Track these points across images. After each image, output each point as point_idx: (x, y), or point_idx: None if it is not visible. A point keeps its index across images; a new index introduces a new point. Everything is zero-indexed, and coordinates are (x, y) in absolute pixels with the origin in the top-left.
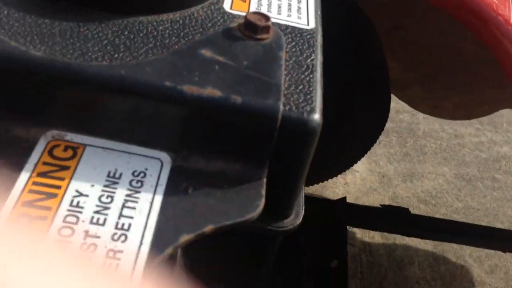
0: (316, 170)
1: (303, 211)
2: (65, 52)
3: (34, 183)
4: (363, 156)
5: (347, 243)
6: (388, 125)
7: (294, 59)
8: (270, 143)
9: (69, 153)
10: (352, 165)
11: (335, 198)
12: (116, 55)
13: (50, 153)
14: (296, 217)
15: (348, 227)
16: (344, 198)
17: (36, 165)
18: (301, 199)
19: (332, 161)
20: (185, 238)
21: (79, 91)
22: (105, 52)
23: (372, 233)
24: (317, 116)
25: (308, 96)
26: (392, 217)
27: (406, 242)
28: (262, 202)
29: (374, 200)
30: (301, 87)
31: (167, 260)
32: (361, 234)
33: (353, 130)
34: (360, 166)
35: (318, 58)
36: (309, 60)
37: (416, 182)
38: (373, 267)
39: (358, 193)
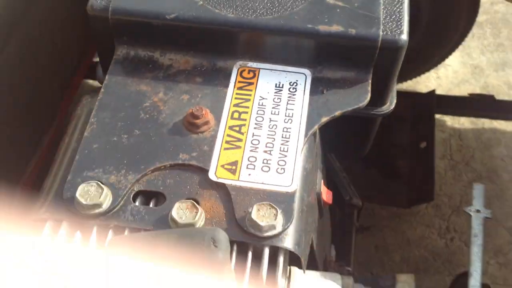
0: (410, 65)
1: (395, 100)
2: (245, 12)
3: (237, 93)
4: (454, 50)
5: (435, 129)
6: (482, 17)
7: None
8: (374, 57)
9: (251, 74)
10: (444, 60)
11: (428, 91)
12: (274, 9)
13: (241, 75)
14: (390, 104)
15: (439, 116)
16: (433, 90)
17: (235, 83)
18: (394, 93)
19: (425, 55)
20: (324, 119)
21: (256, 36)
22: (267, 8)
23: (462, 120)
24: (404, 37)
25: (399, 23)
26: (478, 103)
27: (494, 126)
28: (368, 95)
29: (466, 90)
30: (394, 16)
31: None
32: (451, 121)
33: (444, 23)
34: (452, 60)
35: None
36: None
37: (508, 71)
38: (462, 149)
39: (450, 85)
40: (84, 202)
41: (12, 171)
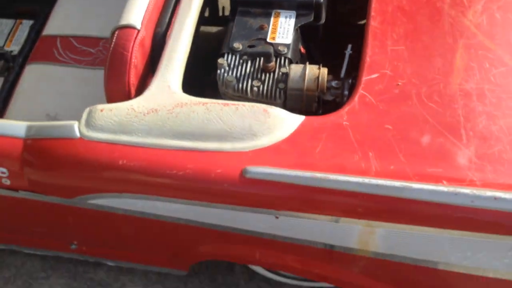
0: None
1: (324, 18)
2: None
3: (273, 20)
4: None
5: None
6: None
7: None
8: (313, 6)
9: (278, 14)
10: None
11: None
12: None
13: (275, 14)
14: (323, 20)
15: None
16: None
17: (273, 16)
18: (323, 15)
19: None
20: (299, 24)
21: (278, 2)
22: None
23: None
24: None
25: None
26: None
27: None
28: (312, 17)
29: None
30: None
31: None
32: None
33: None
34: None
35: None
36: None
37: None
38: None
39: None
40: (235, 46)
41: None
